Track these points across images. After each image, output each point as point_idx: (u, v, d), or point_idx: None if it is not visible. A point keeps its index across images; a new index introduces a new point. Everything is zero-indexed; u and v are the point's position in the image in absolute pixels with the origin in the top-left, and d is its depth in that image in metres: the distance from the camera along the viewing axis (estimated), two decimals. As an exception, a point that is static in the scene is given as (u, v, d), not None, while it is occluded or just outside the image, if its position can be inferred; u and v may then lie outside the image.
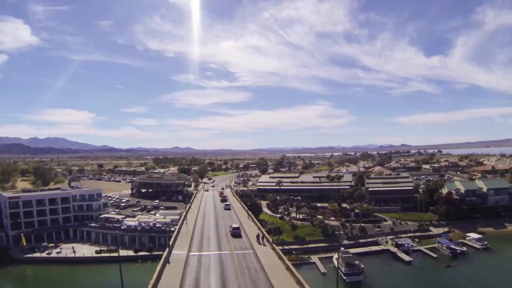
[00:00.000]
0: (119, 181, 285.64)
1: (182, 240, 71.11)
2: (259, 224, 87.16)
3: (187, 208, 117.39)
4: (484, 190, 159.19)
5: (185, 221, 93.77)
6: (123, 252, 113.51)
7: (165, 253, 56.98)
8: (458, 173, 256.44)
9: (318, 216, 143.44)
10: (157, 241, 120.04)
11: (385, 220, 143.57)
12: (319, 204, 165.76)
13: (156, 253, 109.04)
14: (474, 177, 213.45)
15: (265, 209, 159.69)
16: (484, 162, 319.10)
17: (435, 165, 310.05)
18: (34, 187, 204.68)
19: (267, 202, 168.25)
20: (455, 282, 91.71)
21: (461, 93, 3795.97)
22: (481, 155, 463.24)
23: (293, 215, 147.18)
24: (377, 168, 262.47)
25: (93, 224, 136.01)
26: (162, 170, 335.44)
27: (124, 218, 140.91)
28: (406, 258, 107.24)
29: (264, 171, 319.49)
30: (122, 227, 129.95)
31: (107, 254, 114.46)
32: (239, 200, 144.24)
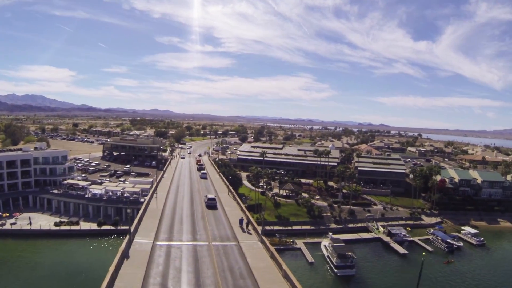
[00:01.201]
0: (92, 142, 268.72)
1: (148, 222, 56.93)
2: (242, 205, 73.61)
3: (158, 178, 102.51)
4: (479, 181, 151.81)
5: (155, 194, 79.42)
6: (85, 225, 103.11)
7: (124, 243, 42.69)
8: (446, 159, 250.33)
9: (303, 194, 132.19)
10: (124, 214, 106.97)
11: (375, 204, 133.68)
12: (303, 180, 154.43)
13: (122, 227, 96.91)
14: (463, 166, 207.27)
15: (245, 182, 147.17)
16: (469, 152, 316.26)
17: (421, 149, 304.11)
18: (2, 146, 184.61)
19: (248, 174, 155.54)
20: (458, 281, 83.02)
21: (444, 80, 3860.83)
22: (464, 143, 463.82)
23: (276, 190, 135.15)
24: (364, 146, 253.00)
25: (55, 191, 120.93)
26: (138, 132, 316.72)
27: (90, 185, 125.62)
28: (401, 250, 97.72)
29: (243, 139, 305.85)
30: (86, 196, 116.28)
31: (67, 227, 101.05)
32: (218, 170, 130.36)
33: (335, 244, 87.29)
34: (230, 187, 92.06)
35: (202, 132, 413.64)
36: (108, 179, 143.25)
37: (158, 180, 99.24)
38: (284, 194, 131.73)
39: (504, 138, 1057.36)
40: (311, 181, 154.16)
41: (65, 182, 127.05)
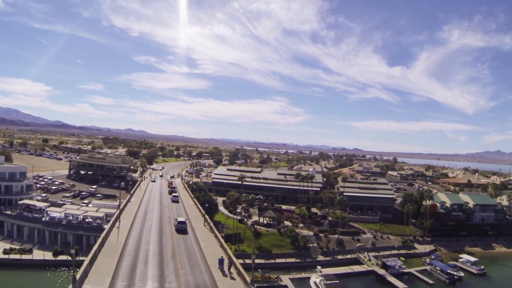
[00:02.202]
0: (61, 159, 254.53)
1: (104, 262, 45.52)
2: (222, 240, 62.91)
3: (122, 205, 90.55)
4: (471, 205, 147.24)
5: (117, 222, 67.84)
6: (39, 254, 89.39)
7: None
8: (429, 183, 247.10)
9: (286, 222, 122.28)
10: (84, 242, 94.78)
11: (364, 233, 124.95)
12: (284, 207, 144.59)
13: (82, 258, 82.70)
14: (449, 189, 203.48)
15: (221, 208, 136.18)
16: (449, 175, 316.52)
17: (402, 172, 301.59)
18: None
19: (224, 199, 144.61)
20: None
21: (417, 105, 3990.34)
22: (441, 167, 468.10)
23: (255, 218, 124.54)
24: (346, 170, 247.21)
25: (8, 212, 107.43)
26: (109, 151, 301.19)
27: (48, 206, 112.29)
28: (400, 284, 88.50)
29: (218, 162, 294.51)
30: (43, 219, 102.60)
31: (17, 256, 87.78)
32: (192, 195, 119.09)
33: (328, 282, 77.55)
34: (206, 216, 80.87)
35: (175, 153, 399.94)
36: (70, 201, 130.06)
37: (122, 205, 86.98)
38: (265, 222, 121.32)
39: (476, 161, 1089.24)
40: (293, 207, 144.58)
41: (21, 202, 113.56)
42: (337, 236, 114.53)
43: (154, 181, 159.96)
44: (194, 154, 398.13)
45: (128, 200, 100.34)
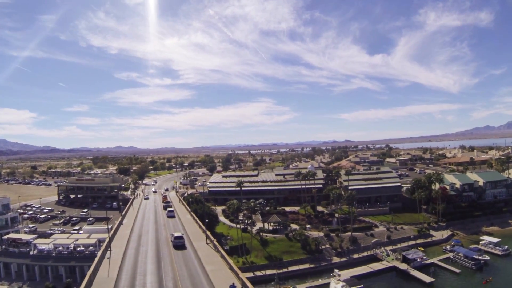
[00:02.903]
0: (50, 185, 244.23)
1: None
2: (231, 262, 54.64)
3: (114, 229, 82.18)
4: (481, 183, 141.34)
5: (107, 252, 59.70)
6: None
7: None
8: (431, 166, 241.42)
9: (293, 225, 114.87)
10: (77, 273, 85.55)
11: (376, 226, 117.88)
12: (287, 209, 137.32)
13: None
14: (453, 170, 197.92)
15: (221, 218, 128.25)
16: (447, 155, 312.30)
17: (401, 158, 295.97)
18: None
19: (223, 208, 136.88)
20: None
21: (402, 90, 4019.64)
22: (437, 148, 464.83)
23: (260, 225, 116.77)
24: (346, 163, 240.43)
25: None
26: (99, 171, 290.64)
27: (36, 238, 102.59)
28: (426, 278, 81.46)
29: (212, 169, 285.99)
30: (31, 253, 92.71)
31: None
32: (189, 209, 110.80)
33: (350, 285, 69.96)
34: (208, 233, 72.62)
35: (167, 165, 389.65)
36: (60, 229, 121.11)
37: (114, 229, 78.39)
38: (270, 228, 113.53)
39: (467, 139, 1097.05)
40: (297, 208, 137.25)
41: (6, 237, 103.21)
42: (349, 233, 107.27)
43: (147, 198, 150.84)
44: (186, 164, 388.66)
45: (120, 223, 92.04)
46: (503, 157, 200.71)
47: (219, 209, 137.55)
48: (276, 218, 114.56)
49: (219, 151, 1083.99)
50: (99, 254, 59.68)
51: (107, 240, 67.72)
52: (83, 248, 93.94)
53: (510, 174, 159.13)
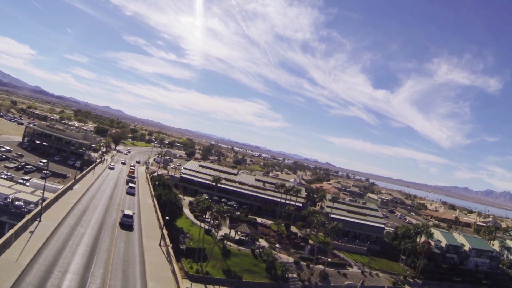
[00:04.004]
0: (22, 124, 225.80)
1: None
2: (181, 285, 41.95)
3: (58, 193, 68.32)
4: (466, 248, 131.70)
5: (36, 223, 46.25)
6: None
7: None
8: (412, 213, 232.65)
9: (261, 240, 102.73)
10: (6, 230, 71.02)
11: (351, 266, 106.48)
12: (259, 220, 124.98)
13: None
14: (438, 226, 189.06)
15: (187, 210, 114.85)
16: (428, 207, 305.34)
17: (383, 197, 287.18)
18: None
19: (191, 199, 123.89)
20: None
21: (395, 131, 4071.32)
22: (417, 196, 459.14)
23: (226, 230, 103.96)
24: (329, 186, 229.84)
25: None
26: (77, 124, 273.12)
27: None
28: None
29: (190, 155, 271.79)
30: None
31: None
32: (152, 192, 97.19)
33: None
34: (165, 233, 58.79)
35: (147, 138, 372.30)
36: (8, 174, 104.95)
37: (58, 193, 64.23)
38: (237, 237, 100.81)
39: (444, 194, 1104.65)
40: (269, 222, 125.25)
41: None
42: (321, 267, 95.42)
43: (112, 168, 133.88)
44: (167, 142, 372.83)
45: (69, 188, 77.84)
46: (488, 225, 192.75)
47: (186, 200, 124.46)
48: (246, 228, 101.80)
49: (202, 139, 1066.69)
50: (19, 224, 46.03)
51: (39, 208, 53.94)
52: (22, 204, 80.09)
53: (494, 245, 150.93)
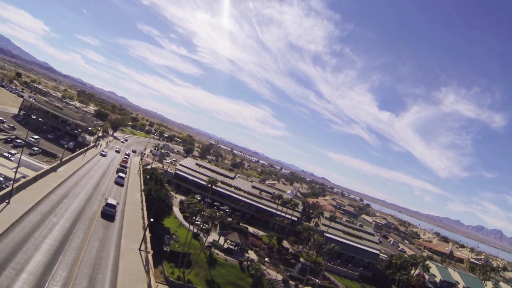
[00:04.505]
0: (22, 97, 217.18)
1: None
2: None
3: (38, 174, 61.98)
4: (460, 286, 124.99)
5: (4, 203, 40.08)
6: None
7: None
8: (405, 241, 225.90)
9: (250, 252, 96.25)
10: None
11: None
12: (250, 229, 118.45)
13: None
14: (432, 258, 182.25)
15: (176, 209, 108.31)
16: (421, 236, 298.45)
17: (378, 221, 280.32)
18: None
19: (183, 198, 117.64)
20: None
21: (395, 155, 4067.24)
22: (410, 224, 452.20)
23: (214, 236, 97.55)
24: (325, 203, 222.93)
25: None
26: (78, 104, 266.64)
27: None
28: None
29: (188, 152, 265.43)
30: None
31: None
32: (142, 186, 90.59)
33: None
34: (147, 236, 51.91)
35: (147, 128, 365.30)
36: None
37: (38, 173, 57.82)
38: (225, 246, 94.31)
39: (435, 224, 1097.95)
40: (261, 233, 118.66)
41: None
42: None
43: (104, 155, 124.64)
44: (166, 135, 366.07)
45: (52, 169, 71.41)
46: (481, 263, 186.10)
47: (178, 198, 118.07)
48: (237, 238, 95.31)
49: (202, 137, 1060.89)
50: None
51: (9, 188, 47.62)
52: (2, 179, 73.67)
53: (487, 286, 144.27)
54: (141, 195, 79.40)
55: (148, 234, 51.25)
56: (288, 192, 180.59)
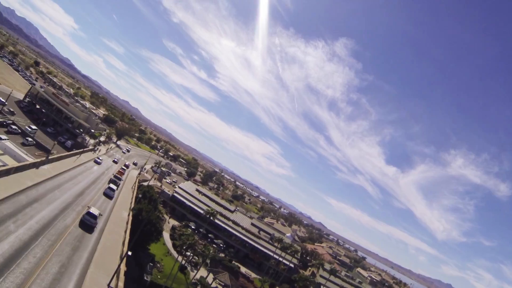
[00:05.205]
0: (34, 85, 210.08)
1: None
2: None
3: (12, 167, 52.42)
4: None
5: None
6: None
7: None
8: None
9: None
10: None
11: None
12: (243, 269, 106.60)
13: None
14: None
15: (166, 235, 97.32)
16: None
17: (373, 276, 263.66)
18: None
19: (175, 224, 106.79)
20: None
21: (395, 210, 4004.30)
22: (400, 281, 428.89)
23: (203, 273, 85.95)
24: (323, 252, 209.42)
25: None
26: (88, 105, 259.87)
27: None
28: None
29: (191, 175, 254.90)
30: None
31: None
32: (133, 204, 79.75)
33: None
34: (122, 270, 40.90)
35: (153, 143, 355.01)
36: None
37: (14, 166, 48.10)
38: (213, 285, 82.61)
39: (426, 286, 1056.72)
40: (254, 275, 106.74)
41: None
42: None
43: (98, 163, 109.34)
44: (171, 154, 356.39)
45: (34, 165, 61.48)
46: None
47: (170, 223, 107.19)
48: (227, 278, 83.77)
49: (206, 162, 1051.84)
50: None
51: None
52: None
53: None
54: (129, 214, 68.81)
55: (123, 268, 40.58)
56: (287, 235, 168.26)
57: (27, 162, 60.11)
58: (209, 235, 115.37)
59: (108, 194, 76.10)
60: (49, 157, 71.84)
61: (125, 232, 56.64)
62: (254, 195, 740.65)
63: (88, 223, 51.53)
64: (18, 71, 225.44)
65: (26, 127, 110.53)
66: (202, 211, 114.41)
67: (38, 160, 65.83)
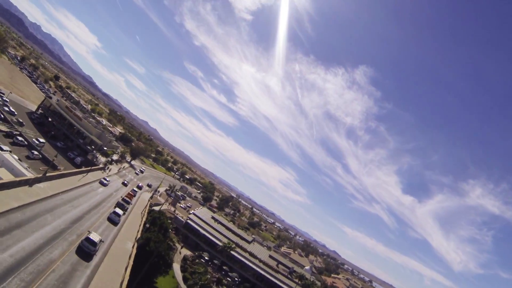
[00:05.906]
0: (51, 98, 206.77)
1: None
2: None
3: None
4: None
5: None
6: None
7: None
8: None
9: None
10: None
11: None
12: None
13: None
14: None
15: (176, 266, 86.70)
16: None
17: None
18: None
19: (187, 254, 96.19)
20: None
21: (411, 240, 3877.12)
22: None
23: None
24: (341, 285, 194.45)
25: None
26: (105, 122, 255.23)
27: None
28: None
29: (207, 200, 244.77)
30: None
31: None
32: (140, 232, 69.80)
33: None
34: None
35: (169, 165, 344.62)
36: None
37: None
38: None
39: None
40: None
41: None
42: None
43: (104, 184, 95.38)
44: (188, 177, 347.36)
45: (27, 182, 53.05)
46: None
47: (182, 253, 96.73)
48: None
49: (223, 186, 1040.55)
50: None
51: None
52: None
53: None
54: (133, 246, 58.96)
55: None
56: (306, 268, 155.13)
57: (17, 179, 51.76)
58: (224, 267, 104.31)
59: (113, 220, 66.88)
60: (47, 174, 62.98)
61: (125, 269, 46.65)
62: (270, 221, 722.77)
63: (86, 250, 45.26)
64: (36, 83, 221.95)
65: (34, 139, 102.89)
66: (217, 241, 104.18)
67: (32, 177, 57.26)
